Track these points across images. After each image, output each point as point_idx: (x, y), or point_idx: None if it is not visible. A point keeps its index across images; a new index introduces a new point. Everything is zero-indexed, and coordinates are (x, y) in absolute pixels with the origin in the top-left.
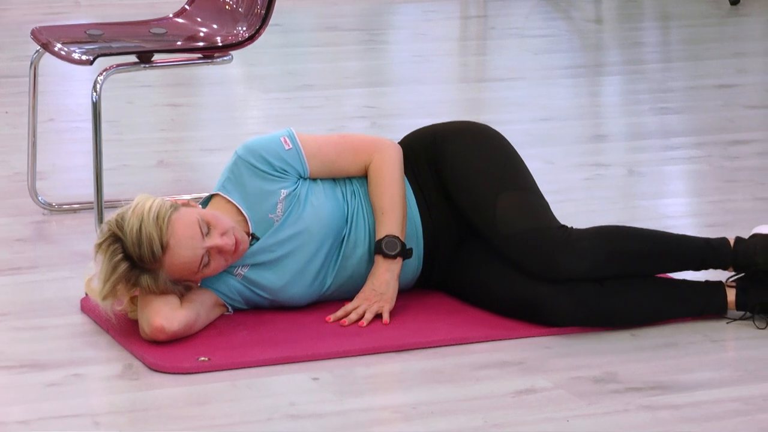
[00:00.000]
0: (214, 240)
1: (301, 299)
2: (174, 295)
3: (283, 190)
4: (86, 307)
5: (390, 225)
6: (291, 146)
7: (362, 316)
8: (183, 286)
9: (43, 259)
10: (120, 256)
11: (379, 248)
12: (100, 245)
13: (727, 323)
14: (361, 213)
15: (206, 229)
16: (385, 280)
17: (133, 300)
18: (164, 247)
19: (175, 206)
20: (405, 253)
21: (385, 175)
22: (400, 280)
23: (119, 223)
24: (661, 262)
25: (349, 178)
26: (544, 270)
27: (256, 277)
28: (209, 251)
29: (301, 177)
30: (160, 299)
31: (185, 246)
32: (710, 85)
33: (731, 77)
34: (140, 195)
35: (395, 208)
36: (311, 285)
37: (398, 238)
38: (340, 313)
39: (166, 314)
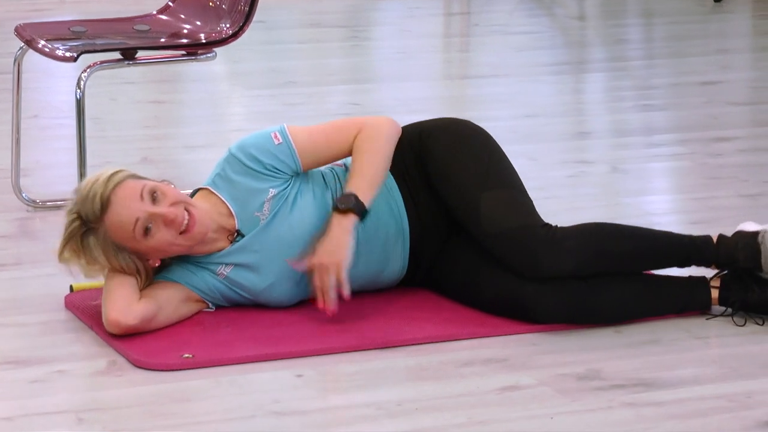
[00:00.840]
0: (160, 208)
1: (285, 301)
2: (132, 286)
3: (271, 189)
4: (70, 303)
5: (354, 184)
6: (281, 141)
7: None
8: (131, 258)
9: (27, 256)
10: (74, 215)
11: (334, 203)
12: (67, 211)
13: (707, 319)
14: None
15: (150, 197)
16: (335, 235)
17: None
18: (104, 204)
19: (135, 176)
20: (359, 210)
21: (369, 144)
22: (385, 278)
23: (80, 186)
24: (646, 260)
25: (341, 185)
26: (528, 268)
27: (239, 278)
28: (153, 218)
29: (293, 173)
30: (119, 291)
31: (123, 205)
32: (694, 82)
33: (715, 74)
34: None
35: (368, 171)
36: (295, 287)
37: (354, 195)
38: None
39: (121, 308)
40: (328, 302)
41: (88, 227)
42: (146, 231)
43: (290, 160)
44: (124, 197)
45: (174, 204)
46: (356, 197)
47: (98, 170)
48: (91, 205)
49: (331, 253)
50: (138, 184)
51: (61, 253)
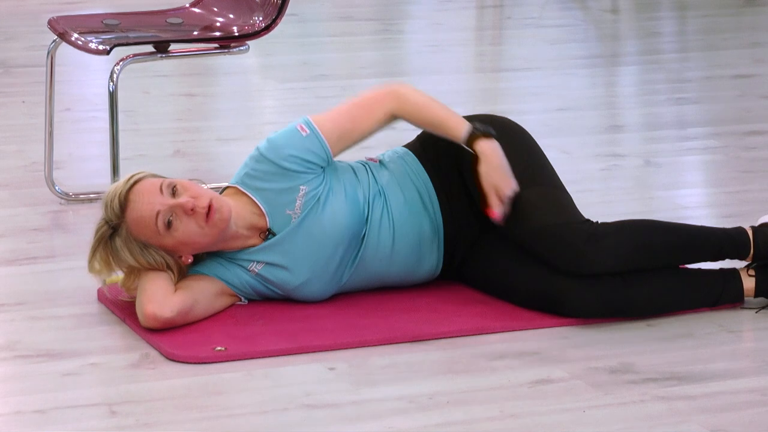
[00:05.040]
0: (179, 199)
1: (317, 297)
2: (167, 280)
3: (302, 187)
4: (103, 296)
5: (461, 119)
6: (308, 132)
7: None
8: (159, 254)
9: (60, 249)
10: (101, 221)
11: (480, 133)
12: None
13: (756, 312)
14: (386, 216)
15: (170, 190)
16: (500, 159)
17: (129, 277)
18: (123, 202)
19: (155, 175)
20: (491, 132)
21: (414, 101)
22: (419, 275)
23: (104, 195)
24: (681, 254)
25: (375, 180)
26: (569, 265)
27: (271, 276)
28: (173, 209)
29: (325, 162)
30: (154, 286)
31: (142, 201)
32: (727, 75)
33: (748, 67)
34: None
35: (450, 110)
36: (327, 284)
37: (481, 122)
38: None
39: (159, 301)
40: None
41: (114, 230)
42: (168, 224)
43: (320, 150)
44: (142, 193)
45: (195, 197)
46: (480, 124)
47: (130, 170)
48: (111, 206)
49: (503, 171)
50: (157, 180)
51: (91, 262)
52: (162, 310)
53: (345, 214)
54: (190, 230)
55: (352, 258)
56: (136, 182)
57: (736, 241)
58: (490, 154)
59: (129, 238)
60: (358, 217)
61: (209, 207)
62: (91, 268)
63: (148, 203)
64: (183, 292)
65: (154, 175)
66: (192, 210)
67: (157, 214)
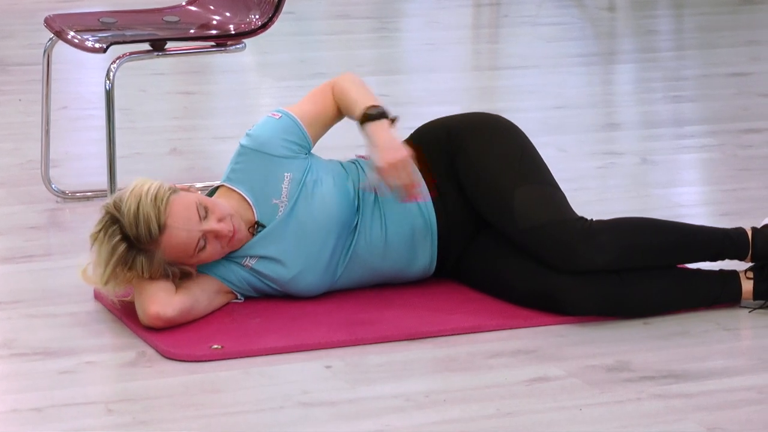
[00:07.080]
0: (212, 224)
1: (312, 291)
2: (168, 280)
3: (287, 174)
4: (99, 294)
5: (365, 101)
6: (280, 115)
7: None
8: (178, 270)
9: (57, 247)
10: (118, 237)
11: (373, 115)
12: (97, 233)
13: (750, 312)
14: (377, 208)
15: (204, 212)
16: (383, 138)
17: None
18: (162, 227)
19: (173, 189)
20: (387, 116)
21: (341, 86)
22: (412, 273)
23: (117, 204)
24: (679, 254)
25: (366, 174)
26: (563, 262)
27: (265, 270)
28: (206, 235)
29: (306, 143)
30: (155, 286)
31: (182, 227)
32: (724, 74)
33: (745, 65)
34: (138, 178)
35: (365, 91)
36: (322, 276)
37: (377, 105)
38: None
39: (161, 301)
40: (416, 193)
41: (138, 249)
42: (200, 248)
43: (296, 129)
44: (181, 218)
45: (221, 219)
46: (381, 106)
47: (127, 168)
48: (146, 229)
49: (391, 151)
50: (187, 201)
51: (106, 282)
52: (165, 310)
53: (335, 202)
54: (214, 251)
55: (345, 249)
56: (166, 204)
57: (735, 242)
58: (373, 134)
59: (159, 258)
60: (349, 205)
61: (233, 230)
62: (104, 285)
63: (189, 230)
64: (184, 292)
65: (172, 189)
66: (224, 237)
67: (198, 241)
